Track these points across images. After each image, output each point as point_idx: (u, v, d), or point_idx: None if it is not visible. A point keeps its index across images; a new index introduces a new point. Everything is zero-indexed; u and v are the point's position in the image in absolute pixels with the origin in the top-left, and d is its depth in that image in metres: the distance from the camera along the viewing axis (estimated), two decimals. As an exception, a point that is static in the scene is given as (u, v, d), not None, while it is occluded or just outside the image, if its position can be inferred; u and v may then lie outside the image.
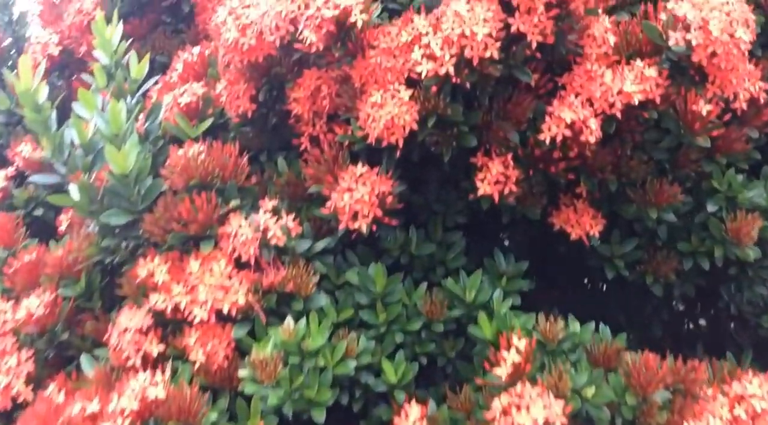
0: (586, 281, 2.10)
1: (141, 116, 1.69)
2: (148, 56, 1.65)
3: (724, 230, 1.63)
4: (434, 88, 1.40)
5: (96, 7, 2.10)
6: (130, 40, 2.11)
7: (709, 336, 2.13)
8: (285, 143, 1.73)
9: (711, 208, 1.65)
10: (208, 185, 1.54)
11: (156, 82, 1.83)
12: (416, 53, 1.39)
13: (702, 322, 2.18)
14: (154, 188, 1.55)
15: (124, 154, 1.48)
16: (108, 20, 1.69)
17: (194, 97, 1.72)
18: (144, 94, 1.69)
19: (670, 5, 1.47)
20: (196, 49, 1.86)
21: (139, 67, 1.63)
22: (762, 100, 1.58)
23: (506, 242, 1.95)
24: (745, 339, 2.06)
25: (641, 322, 2.04)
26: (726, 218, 1.63)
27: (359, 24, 1.41)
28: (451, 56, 1.36)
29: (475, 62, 1.36)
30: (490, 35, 1.35)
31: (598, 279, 2.03)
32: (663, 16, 1.50)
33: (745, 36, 1.43)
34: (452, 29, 1.36)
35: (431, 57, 1.38)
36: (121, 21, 1.76)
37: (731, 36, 1.42)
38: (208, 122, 1.70)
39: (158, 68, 2.08)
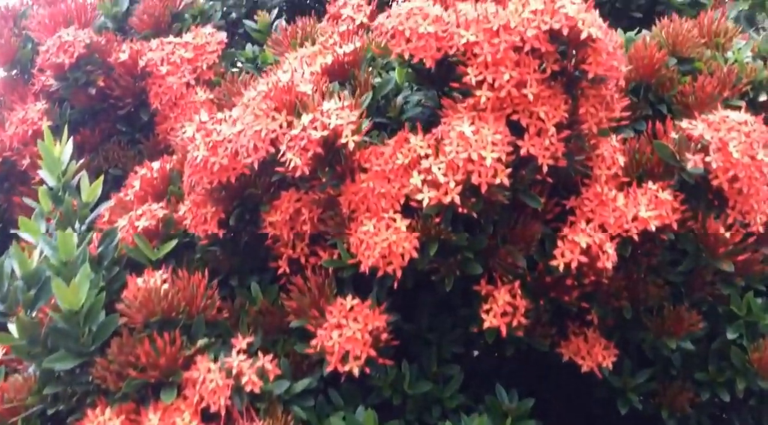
0: (583, 404, 1.94)
1: (94, 238, 1.49)
2: (101, 179, 1.45)
3: (747, 360, 1.50)
4: (437, 219, 1.24)
5: (42, 116, 1.91)
6: (81, 151, 1.93)
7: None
8: (259, 262, 1.54)
9: (731, 335, 1.52)
10: (171, 322, 1.33)
11: (108, 198, 1.64)
12: (416, 179, 1.24)
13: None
14: (107, 326, 1.33)
15: (74, 287, 1.27)
16: (56, 133, 1.51)
17: (153, 221, 1.52)
18: (95, 219, 1.48)
19: (684, 124, 1.37)
20: (156, 165, 1.67)
21: (91, 190, 1.43)
22: (779, 221, 1.47)
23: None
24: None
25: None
26: (748, 347, 1.51)
27: (350, 146, 1.25)
28: (457, 183, 1.21)
29: (483, 189, 1.22)
30: (499, 160, 1.21)
31: (599, 406, 1.87)
32: (674, 135, 1.40)
33: (767, 158, 1.33)
34: (457, 153, 1.21)
35: (433, 183, 1.23)
36: (71, 131, 1.58)
37: (752, 158, 1.32)
38: (172, 244, 1.50)
39: (111, 182, 1.88)
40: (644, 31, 1.65)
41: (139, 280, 1.36)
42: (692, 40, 1.55)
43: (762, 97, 1.53)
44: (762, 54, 1.62)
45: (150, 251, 1.49)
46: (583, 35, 1.22)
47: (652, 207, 1.34)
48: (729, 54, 1.61)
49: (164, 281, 1.34)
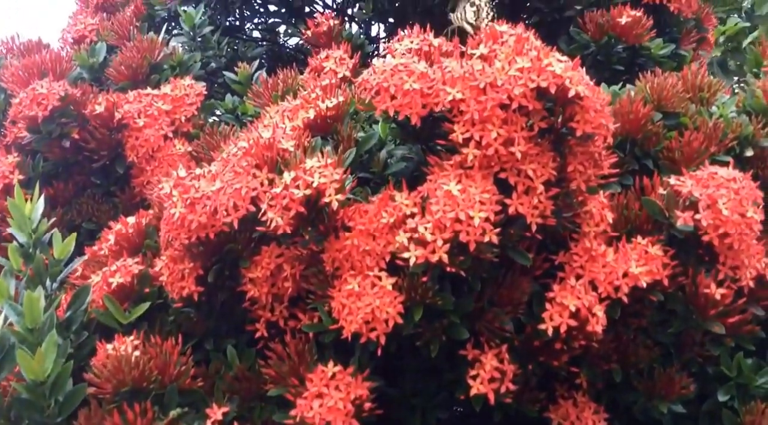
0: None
1: (63, 299, 1.42)
2: (74, 236, 1.39)
3: (739, 424, 1.45)
4: (424, 278, 1.20)
5: (14, 170, 1.85)
6: (54, 204, 1.88)
7: None
8: (236, 324, 1.48)
9: (722, 397, 1.47)
10: (143, 392, 1.27)
11: (82, 253, 1.58)
12: (402, 237, 1.20)
13: None
14: (74, 396, 1.27)
15: (40, 356, 1.21)
16: (28, 186, 1.46)
17: (128, 277, 1.46)
18: (67, 275, 1.43)
19: (672, 181, 1.35)
20: (131, 219, 1.61)
21: (63, 247, 1.38)
22: None
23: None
24: None
25: None
26: (739, 409, 1.46)
27: (334, 205, 1.21)
28: (444, 241, 1.18)
29: (472, 248, 1.18)
30: (487, 220, 1.18)
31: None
32: (662, 191, 1.38)
33: (757, 215, 1.31)
34: (444, 212, 1.18)
35: (420, 241, 1.19)
36: (44, 183, 1.53)
37: (742, 216, 1.30)
38: (144, 307, 1.44)
39: (85, 235, 1.82)
40: (629, 86, 1.65)
41: (109, 346, 1.30)
42: (677, 96, 1.55)
43: (748, 153, 1.52)
44: (746, 109, 1.62)
45: (121, 315, 1.42)
46: (571, 93, 1.20)
47: (642, 263, 1.31)
48: (713, 108, 1.60)
49: (135, 348, 1.29)
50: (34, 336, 1.25)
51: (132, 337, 1.34)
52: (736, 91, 1.78)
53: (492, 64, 1.24)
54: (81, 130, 1.90)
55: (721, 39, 4.75)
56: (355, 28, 2.82)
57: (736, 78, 4.83)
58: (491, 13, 2.01)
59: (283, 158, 1.28)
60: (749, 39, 4.68)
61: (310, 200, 1.22)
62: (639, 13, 2.07)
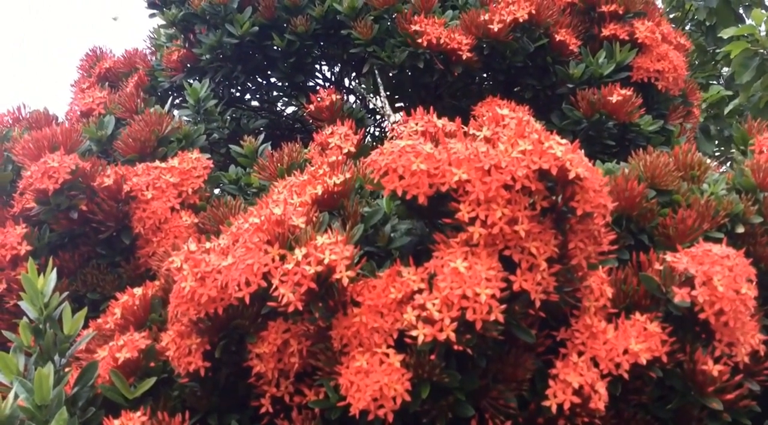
0: None
1: (70, 374, 1.43)
2: (85, 311, 1.41)
3: None
4: (432, 356, 1.22)
5: (22, 241, 1.86)
6: (59, 275, 1.89)
7: None
8: (240, 400, 1.49)
9: (723, 475, 1.48)
10: (149, 471, 1.26)
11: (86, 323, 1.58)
12: (410, 314, 1.23)
13: None
14: (81, 474, 1.26)
15: (49, 435, 1.21)
16: (34, 257, 1.48)
17: (135, 352, 1.47)
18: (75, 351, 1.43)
19: (668, 258, 1.40)
20: (138, 291, 1.63)
21: (73, 323, 1.39)
22: (762, 353, 1.48)
23: None
24: None
25: None
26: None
27: (345, 281, 1.25)
28: (452, 320, 1.21)
29: (478, 327, 1.21)
30: (493, 297, 1.21)
31: None
32: (659, 266, 1.42)
33: (750, 292, 1.36)
34: (451, 289, 1.21)
35: (428, 320, 1.22)
36: (49, 253, 1.54)
37: (737, 292, 1.34)
38: (150, 382, 1.45)
39: (89, 305, 1.83)
40: (622, 164, 1.71)
41: (117, 423, 1.31)
42: (669, 174, 1.61)
43: (739, 230, 1.57)
44: (736, 186, 1.68)
45: (127, 390, 1.43)
46: (571, 175, 1.25)
47: (641, 340, 1.34)
48: (704, 186, 1.66)
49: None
50: (43, 413, 1.25)
51: (139, 413, 1.34)
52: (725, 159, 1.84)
53: (496, 147, 1.30)
54: (89, 202, 1.92)
55: (704, 106, 4.90)
56: (351, 98, 2.91)
57: (716, 141, 4.97)
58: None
59: (293, 235, 1.31)
60: (730, 106, 4.84)
61: (321, 277, 1.26)
62: (629, 92, 2.16)
